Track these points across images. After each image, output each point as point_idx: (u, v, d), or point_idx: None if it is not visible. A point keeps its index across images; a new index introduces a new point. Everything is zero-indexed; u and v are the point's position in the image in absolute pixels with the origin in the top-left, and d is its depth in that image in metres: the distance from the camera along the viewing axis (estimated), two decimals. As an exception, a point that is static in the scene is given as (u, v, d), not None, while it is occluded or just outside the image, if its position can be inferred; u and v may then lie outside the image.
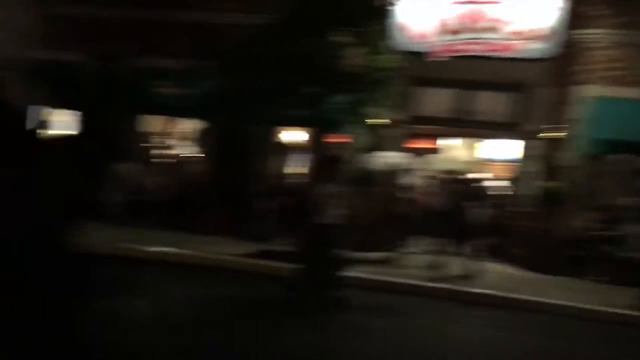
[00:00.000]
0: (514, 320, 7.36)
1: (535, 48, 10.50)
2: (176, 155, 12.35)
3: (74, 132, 12.22)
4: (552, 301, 8.12)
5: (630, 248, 9.69)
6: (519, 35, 10.52)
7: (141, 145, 12.30)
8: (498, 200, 12.29)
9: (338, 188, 7.18)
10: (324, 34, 8.46)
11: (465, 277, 8.86)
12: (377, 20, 8.79)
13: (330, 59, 8.47)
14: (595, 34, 10.53)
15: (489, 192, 12.57)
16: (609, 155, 10.51)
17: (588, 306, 8.08)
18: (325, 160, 7.55)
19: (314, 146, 9.98)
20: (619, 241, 9.96)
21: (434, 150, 14.71)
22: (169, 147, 12.62)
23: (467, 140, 14.70)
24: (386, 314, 6.96)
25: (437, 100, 11.64)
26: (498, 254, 11.04)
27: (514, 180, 11.80)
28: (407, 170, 10.32)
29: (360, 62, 8.66)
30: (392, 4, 8.94)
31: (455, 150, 15.28)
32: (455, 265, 8.99)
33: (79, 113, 12.08)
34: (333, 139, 10.61)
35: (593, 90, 10.51)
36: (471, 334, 6.58)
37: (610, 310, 7.95)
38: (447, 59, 10.70)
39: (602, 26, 10.49)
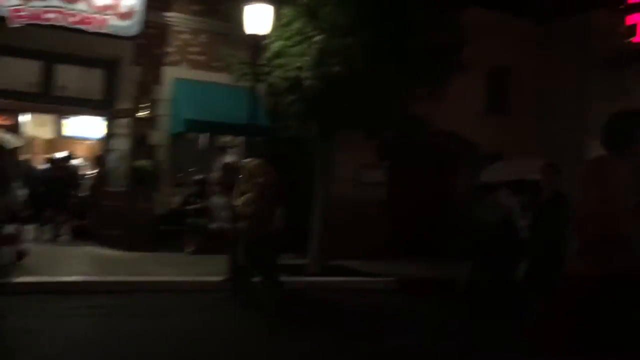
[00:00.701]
0: (112, 304, 7.16)
1: (120, 25, 10.33)
2: None
3: None
4: (149, 279, 8.25)
5: (216, 219, 10.63)
6: (105, 10, 10.20)
7: None
8: (86, 180, 11.93)
9: None
10: None
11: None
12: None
13: None
14: (177, 18, 11.04)
15: (78, 172, 12.10)
16: (192, 133, 11.26)
17: (183, 278, 8.52)
18: None
19: None
20: (207, 213, 10.82)
21: (12, 127, 13.27)
22: None
23: (52, 117, 13.76)
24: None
25: (17, 72, 10.44)
26: (87, 237, 10.72)
27: (103, 159, 11.54)
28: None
29: None
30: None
31: (35, 127, 14.16)
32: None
33: None
34: None
35: (177, 72, 11.04)
36: (74, 326, 6.18)
37: (202, 279, 8.49)
38: (24, 25, 9.67)
39: (183, 11, 11.07)
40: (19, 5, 9.57)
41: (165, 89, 10.98)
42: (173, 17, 11.04)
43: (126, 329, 6.20)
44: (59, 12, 9.82)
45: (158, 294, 7.79)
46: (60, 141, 14.60)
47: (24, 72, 10.59)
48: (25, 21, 9.65)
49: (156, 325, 6.42)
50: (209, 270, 8.84)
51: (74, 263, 8.90)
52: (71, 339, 5.71)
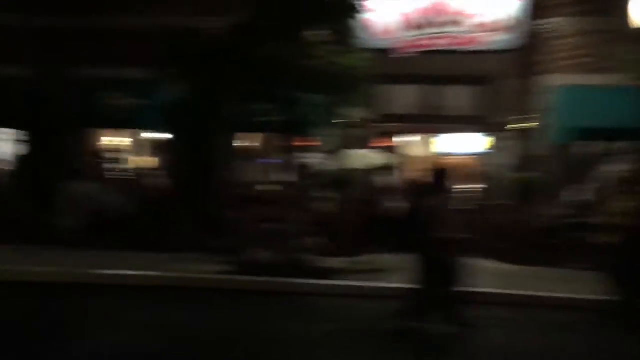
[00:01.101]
0: (516, 317, 7.24)
1: (499, 40, 10.48)
2: (134, 170, 11.58)
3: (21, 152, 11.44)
4: (550, 294, 8.09)
5: (598, 233, 9.74)
6: (482, 28, 10.47)
7: (95, 161, 11.50)
8: (469, 195, 12.25)
9: (447, 201, 6.71)
10: (297, 32, 8.07)
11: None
12: (350, 17, 8.49)
13: (304, 59, 8.07)
14: (557, 23, 10.59)
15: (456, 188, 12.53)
16: (578, 142, 10.61)
17: (574, 296, 8.12)
18: (435, 172, 6.95)
19: (283, 151, 9.58)
20: (591, 227, 10.02)
21: (393, 148, 14.53)
22: (125, 162, 11.86)
23: (435, 136, 14.62)
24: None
25: (403, 97, 11.47)
26: (476, 250, 10.94)
27: (486, 173, 11.72)
28: (387, 169, 9.93)
29: (334, 61, 8.29)
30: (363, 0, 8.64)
31: (414, 146, 15.15)
32: None
33: (23, 130, 11.25)
34: (300, 142, 10.23)
35: (558, 79, 10.56)
36: (491, 335, 6.51)
37: (595, 298, 7.85)
38: (412, 54, 10.53)
39: (564, 15, 10.56)
40: (412, 36, 10.45)
41: (546, 98, 10.60)
42: (551, 22, 10.63)
43: (533, 343, 6.29)
44: (448, 37, 10.45)
45: (549, 310, 7.66)
46: (434, 158, 15.36)
47: (403, 96, 11.52)
48: (409, 51, 10.50)
49: (550, 342, 6.39)
50: (597, 287, 8.02)
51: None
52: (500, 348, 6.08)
